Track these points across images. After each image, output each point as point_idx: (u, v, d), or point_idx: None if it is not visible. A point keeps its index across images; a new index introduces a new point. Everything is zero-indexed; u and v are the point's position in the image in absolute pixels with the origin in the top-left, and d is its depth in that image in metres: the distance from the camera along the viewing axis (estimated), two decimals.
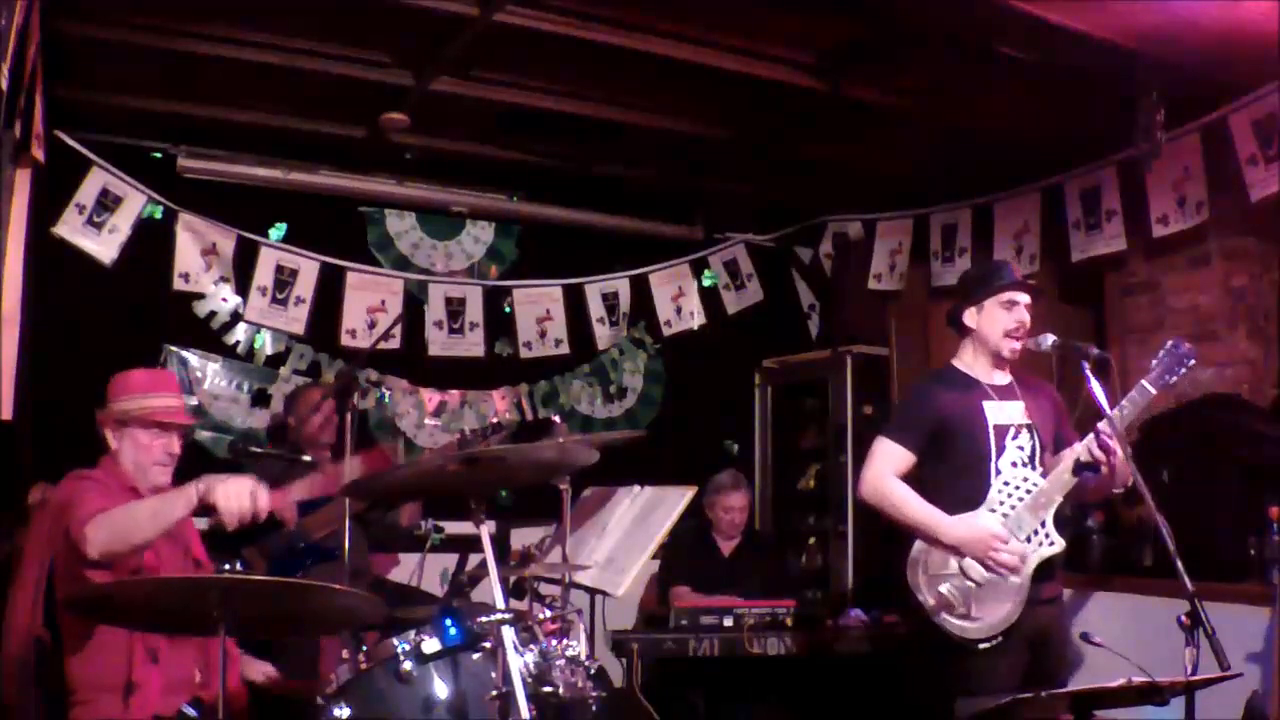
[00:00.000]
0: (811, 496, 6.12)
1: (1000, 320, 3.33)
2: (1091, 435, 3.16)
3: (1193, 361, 3.19)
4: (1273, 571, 3.80)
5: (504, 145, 5.19)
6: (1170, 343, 3.22)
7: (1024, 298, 3.36)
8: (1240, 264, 4.57)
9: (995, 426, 3.29)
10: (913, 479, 3.37)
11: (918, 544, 3.32)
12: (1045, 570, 3.25)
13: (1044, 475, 3.27)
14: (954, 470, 3.31)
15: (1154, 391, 3.17)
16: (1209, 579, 3.27)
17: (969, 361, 3.43)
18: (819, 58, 4.23)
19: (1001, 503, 3.25)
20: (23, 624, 2.91)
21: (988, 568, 3.21)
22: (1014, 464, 3.28)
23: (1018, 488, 3.25)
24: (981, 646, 3.19)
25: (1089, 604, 4.33)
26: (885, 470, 3.35)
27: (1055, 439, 3.38)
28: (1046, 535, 3.23)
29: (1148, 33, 3.76)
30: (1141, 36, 3.80)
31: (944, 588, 3.24)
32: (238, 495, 2.63)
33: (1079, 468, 3.21)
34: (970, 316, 3.39)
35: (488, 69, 4.38)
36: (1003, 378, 3.40)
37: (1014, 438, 3.30)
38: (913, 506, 3.30)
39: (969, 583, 3.23)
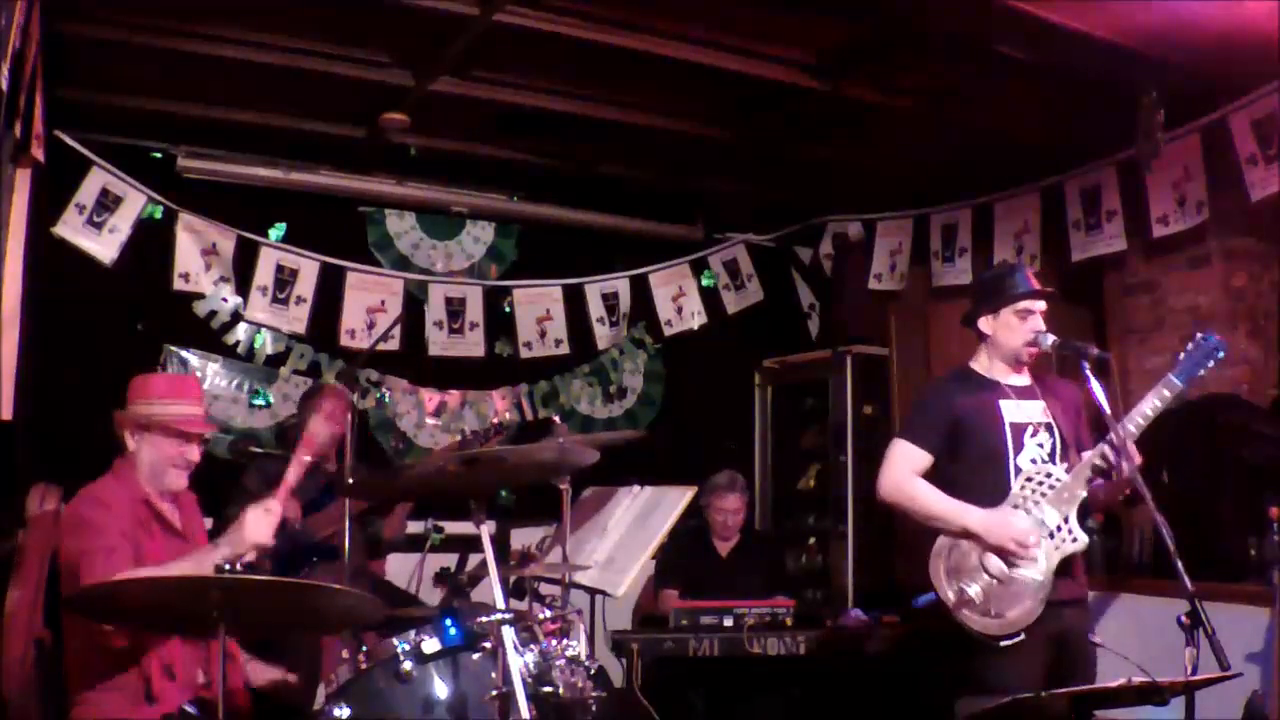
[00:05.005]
0: (811, 496, 6.12)
1: (1016, 330, 3.32)
2: (1104, 441, 3.14)
3: (1222, 354, 3.17)
4: (1273, 571, 3.80)
5: (504, 145, 5.19)
6: (1200, 335, 3.20)
7: (1039, 305, 3.34)
8: (1240, 264, 4.58)
9: (1012, 424, 3.28)
10: (933, 478, 3.36)
11: (941, 539, 3.29)
12: (1066, 567, 3.23)
13: (1068, 471, 3.22)
14: (972, 467, 3.30)
15: (1181, 386, 3.14)
16: (1209, 579, 3.29)
17: (985, 364, 3.42)
18: (819, 58, 4.23)
19: (1025, 498, 3.22)
20: (23, 624, 2.91)
21: (1008, 561, 3.18)
22: (1034, 460, 3.26)
23: (1041, 483, 3.22)
24: (1003, 644, 3.14)
25: (1089, 604, 4.33)
26: (905, 471, 3.35)
27: (1076, 439, 3.34)
28: (1070, 531, 3.20)
29: (1148, 33, 3.76)
30: (1141, 36, 3.80)
31: (965, 583, 3.21)
32: (261, 534, 2.64)
33: (1094, 472, 3.18)
34: (986, 324, 3.38)
35: (488, 69, 4.38)
36: (1021, 379, 3.38)
37: (1033, 435, 3.28)
38: (933, 500, 3.30)
39: (990, 579, 3.20)
